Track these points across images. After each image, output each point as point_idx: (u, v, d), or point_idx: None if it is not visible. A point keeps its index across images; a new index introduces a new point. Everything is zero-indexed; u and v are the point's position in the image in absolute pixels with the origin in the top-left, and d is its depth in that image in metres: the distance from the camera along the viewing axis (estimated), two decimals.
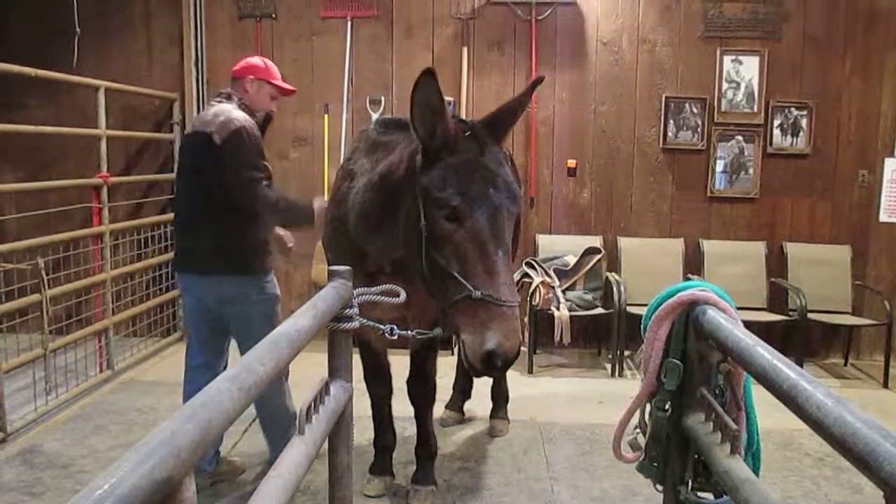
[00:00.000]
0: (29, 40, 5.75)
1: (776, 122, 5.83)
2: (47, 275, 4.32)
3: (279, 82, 3.55)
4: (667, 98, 5.85)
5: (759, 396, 2.04)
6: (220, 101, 3.43)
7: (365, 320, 2.32)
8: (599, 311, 5.55)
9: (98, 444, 3.99)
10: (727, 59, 5.80)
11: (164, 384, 4.99)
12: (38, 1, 5.89)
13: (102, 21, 5.92)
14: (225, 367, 3.32)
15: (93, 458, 3.82)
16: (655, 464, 2.29)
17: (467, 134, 2.41)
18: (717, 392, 2.10)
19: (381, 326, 2.43)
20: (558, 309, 5.26)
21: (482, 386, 4.46)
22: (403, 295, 2.40)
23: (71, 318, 5.03)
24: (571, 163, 5.95)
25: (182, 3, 5.82)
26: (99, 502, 0.91)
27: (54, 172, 5.78)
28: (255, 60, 3.57)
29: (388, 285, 2.41)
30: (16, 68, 4.18)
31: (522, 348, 5.58)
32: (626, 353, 5.46)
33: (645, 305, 2.33)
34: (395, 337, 2.49)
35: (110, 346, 5.17)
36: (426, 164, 2.41)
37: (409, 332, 2.55)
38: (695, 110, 5.86)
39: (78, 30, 5.33)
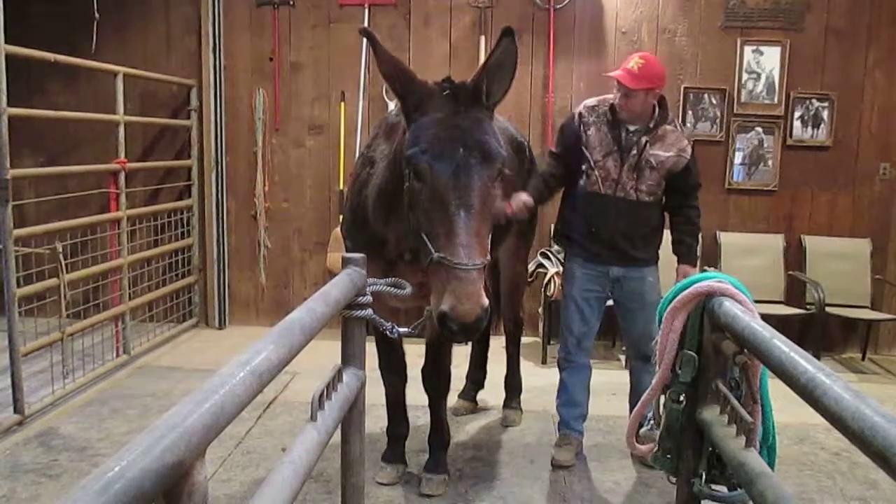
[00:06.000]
0: (49, 26, 5.77)
1: (797, 114, 5.76)
2: (65, 259, 4.36)
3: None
4: (686, 89, 5.79)
5: (775, 391, 2.02)
6: None
7: (371, 312, 2.32)
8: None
9: (114, 428, 4.03)
10: (748, 49, 5.73)
11: (180, 370, 5.03)
12: None
13: (122, 7, 5.93)
14: None
15: (109, 441, 3.86)
16: (669, 456, 2.28)
17: (445, 93, 2.39)
18: (732, 385, 2.09)
19: (385, 323, 2.42)
20: None
21: (495, 376, 4.46)
22: (409, 289, 2.40)
23: (88, 303, 5.07)
24: None
25: None
26: (109, 485, 0.91)
27: (73, 158, 5.83)
28: None
29: (395, 278, 2.42)
30: (37, 53, 4.20)
31: (535, 339, 5.65)
32: None
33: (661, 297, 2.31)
34: (396, 335, 2.49)
35: (127, 331, 5.20)
36: (408, 125, 2.44)
37: (406, 329, 2.53)
38: (714, 101, 5.79)
39: (97, 16, 5.34)
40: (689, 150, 3.55)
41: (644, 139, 3.49)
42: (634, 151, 3.48)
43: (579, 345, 3.72)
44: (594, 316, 3.71)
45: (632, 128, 3.52)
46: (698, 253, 3.71)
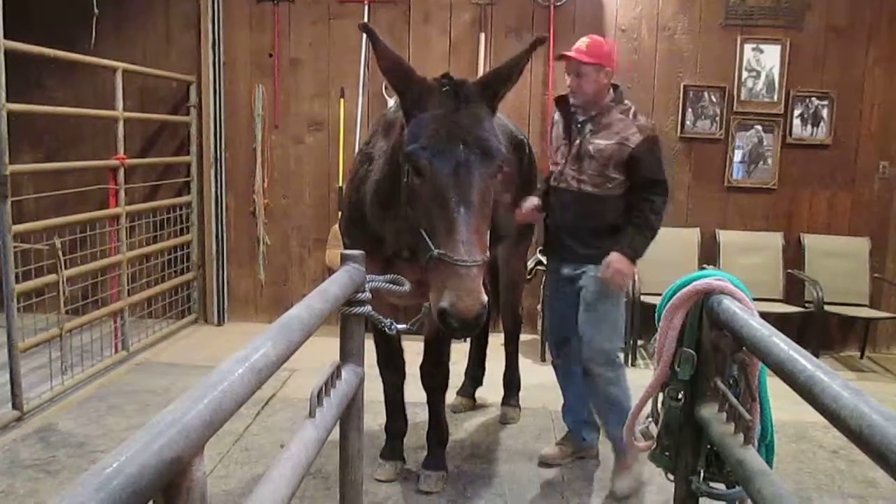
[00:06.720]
0: (48, 21, 5.76)
1: (796, 112, 5.76)
2: (64, 255, 4.35)
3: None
4: (685, 86, 5.79)
5: (773, 388, 2.02)
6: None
7: (370, 309, 2.32)
8: None
9: (113, 424, 4.03)
10: (748, 47, 5.72)
11: (179, 366, 5.03)
12: None
13: (121, 3, 5.91)
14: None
15: (108, 437, 3.86)
16: (667, 453, 2.28)
17: (445, 90, 2.40)
18: (731, 382, 2.09)
19: (383, 320, 2.43)
20: None
21: (494, 373, 4.46)
22: (408, 286, 2.41)
23: (87, 299, 5.07)
24: None
25: None
26: (108, 480, 0.91)
27: (72, 154, 5.82)
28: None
29: (394, 275, 2.43)
30: (36, 49, 4.19)
31: (534, 336, 5.65)
32: (640, 342, 5.44)
33: (659, 295, 2.31)
34: (395, 332, 2.49)
35: (125, 328, 5.20)
36: (406, 121, 2.44)
37: (405, 326, 2.53)
38: (714, 99, 5.79)
39: (96, 11, 5.34)
40: (635, 139, 3.23)
41: (588, 127, 3.32)
42: (578, 140, 3.33)
43: (559, 349, 3.63)
44: (569, 317, 3.45)
45: (581, 118, 3.36)
46: (644, 252, 3.29)
